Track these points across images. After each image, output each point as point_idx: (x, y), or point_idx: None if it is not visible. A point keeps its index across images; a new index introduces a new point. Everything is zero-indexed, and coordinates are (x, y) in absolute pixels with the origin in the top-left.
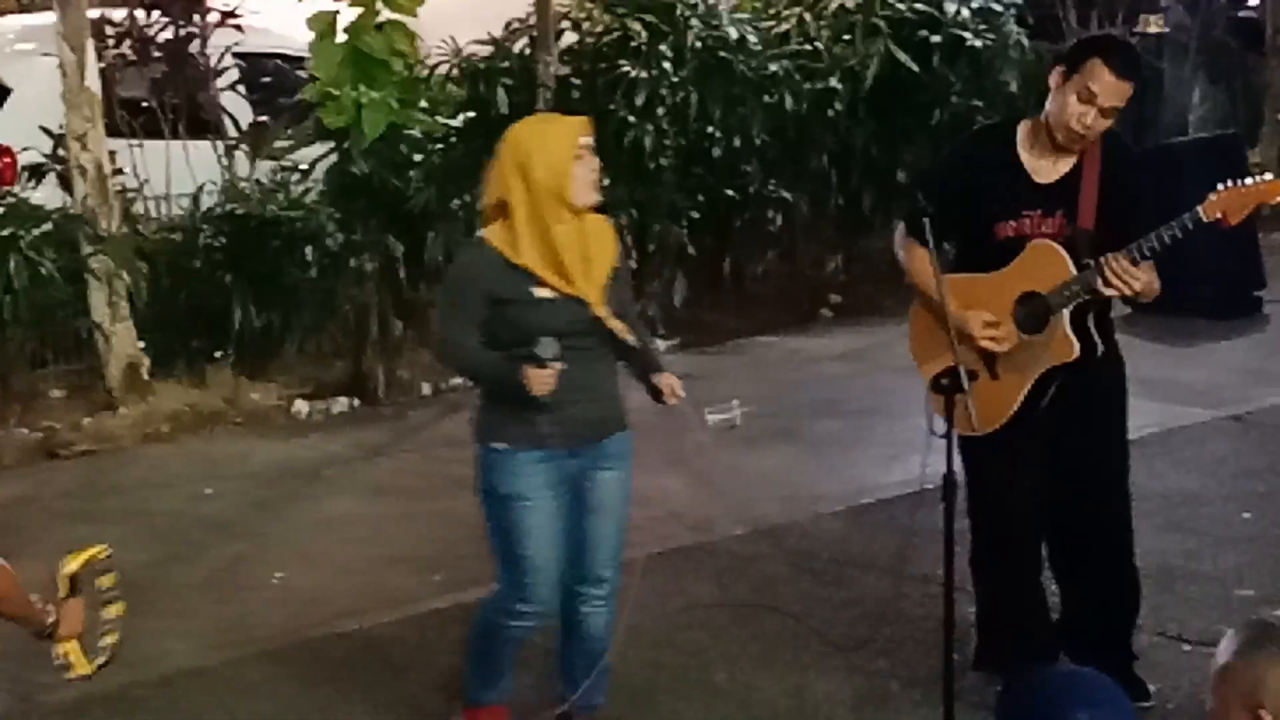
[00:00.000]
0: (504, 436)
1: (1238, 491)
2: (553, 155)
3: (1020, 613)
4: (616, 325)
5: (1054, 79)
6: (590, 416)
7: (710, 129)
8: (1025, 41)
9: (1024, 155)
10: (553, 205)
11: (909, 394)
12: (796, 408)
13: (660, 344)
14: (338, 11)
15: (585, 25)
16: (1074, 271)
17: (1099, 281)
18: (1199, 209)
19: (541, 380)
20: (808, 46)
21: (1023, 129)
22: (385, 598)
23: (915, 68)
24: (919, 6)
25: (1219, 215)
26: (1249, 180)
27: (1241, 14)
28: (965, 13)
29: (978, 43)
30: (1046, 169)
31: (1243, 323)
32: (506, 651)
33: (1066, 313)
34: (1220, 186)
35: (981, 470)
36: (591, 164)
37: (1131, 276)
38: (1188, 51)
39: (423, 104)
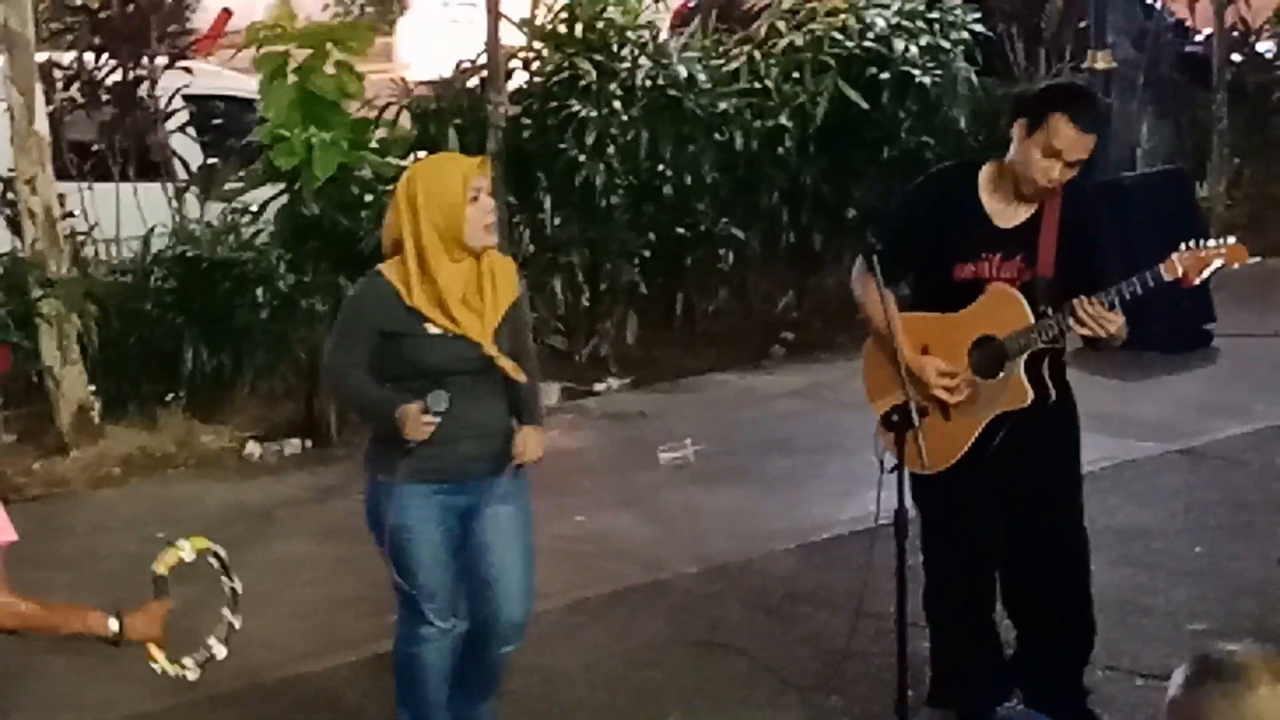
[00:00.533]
0: (388, 470)
1: (1190, 525)
2: (446, 196)
3: (973, 650)
4: (506, 365)
5: (1016, 131)
6: (476, 454)
7: (661, 167)
8: (974, 78)
9: (985, 198)
10: (447, 245)
11: (862, 430)
12: (749, 445)
13: (613, 382)
14: (288, 53)
15: (535, 65)
16: (1032, 319)
17: (1071, 320)
18: (1160, 268)
19: (417, 425)
20: (757, 85)
21: (986, 171)
22: (338, 640)
23: (865, 105)
24: (868, 44)
25: (1181, 274)
26: (1210, 243)
27: (1189, 49)
28: (914, 50)
29: (926, 80)
30: (1008, 213)
31: (1193, 356)
32: (431, 683)
33: (1022, 360)
34: (1183, 247)
35: (934, 507)
36: (486, 205)
37: (1107, 320)
38: (1136, 87)
39: (373, 145)
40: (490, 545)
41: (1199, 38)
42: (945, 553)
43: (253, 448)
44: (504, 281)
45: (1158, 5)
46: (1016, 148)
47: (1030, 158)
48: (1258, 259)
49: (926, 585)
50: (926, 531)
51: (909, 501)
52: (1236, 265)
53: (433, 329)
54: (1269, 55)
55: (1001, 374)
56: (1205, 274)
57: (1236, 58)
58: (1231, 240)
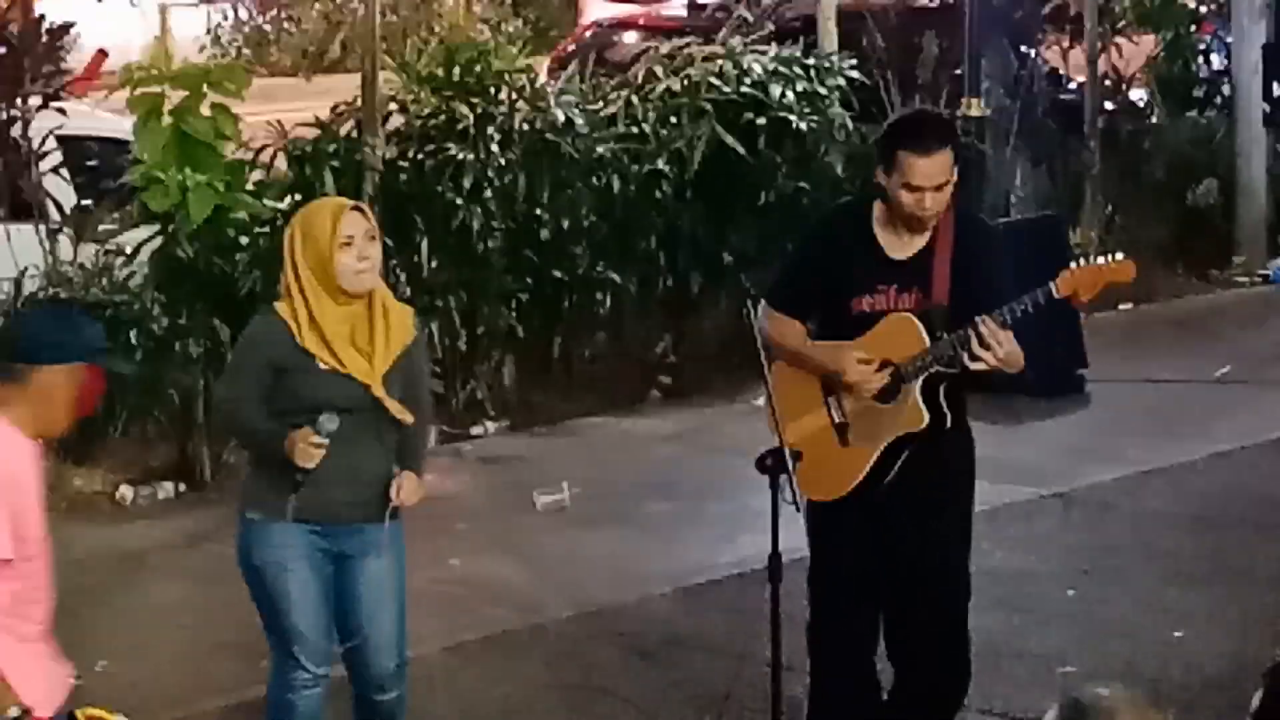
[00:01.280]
0: (259, 506)
1: (1062, 569)
2: (318, 242)
3: (850, 690)
4: (393, 406)
5: (880, 177)
6: (348, 499)
7: (538, 211)
8: (849, 124)
9: (879, 232)
10: (326, 288)
11: (738, 474)
12: (626, 489)
13: (490, 426)
14: (163, 94)
15: (412, 108)
16: (928, 342)
17: (974, 343)
18: (1051, 285)
19: (308, 450)
20: (635, 129)
21: (877, 207)
22: (211, 686)
23: (741, 150)
24: (745, 90)
25: (1071, 292)
26: (1100, 260)
27: (1062, 97)
28: (790, 96)
29: (803, 125)
30: (901, 245)
31: (1066, 401)
32: None
33: (918, 383)
34: (1073, 264)
35: (823, 542)
36: (361, 251)
37: (1001, 342)
38: (1009, 134)
39: (249, 187)
40: (361, 598)
41: (1072, 86)
42: (831, 588)
43: (125, 491)
44: (397, 326)
45: (1031, 54)
46: (886, 191)
47: (897, 197)
48: (1129, 305)
49: (810, 621)
50: (814, 567)
51: (787, 543)
52: (1126, 281)
53: (322, 365)
54: (1140, 104)
55: (898, 398)
56: (1095, 291)
57: (1109, 106)
58: (1120, 256)
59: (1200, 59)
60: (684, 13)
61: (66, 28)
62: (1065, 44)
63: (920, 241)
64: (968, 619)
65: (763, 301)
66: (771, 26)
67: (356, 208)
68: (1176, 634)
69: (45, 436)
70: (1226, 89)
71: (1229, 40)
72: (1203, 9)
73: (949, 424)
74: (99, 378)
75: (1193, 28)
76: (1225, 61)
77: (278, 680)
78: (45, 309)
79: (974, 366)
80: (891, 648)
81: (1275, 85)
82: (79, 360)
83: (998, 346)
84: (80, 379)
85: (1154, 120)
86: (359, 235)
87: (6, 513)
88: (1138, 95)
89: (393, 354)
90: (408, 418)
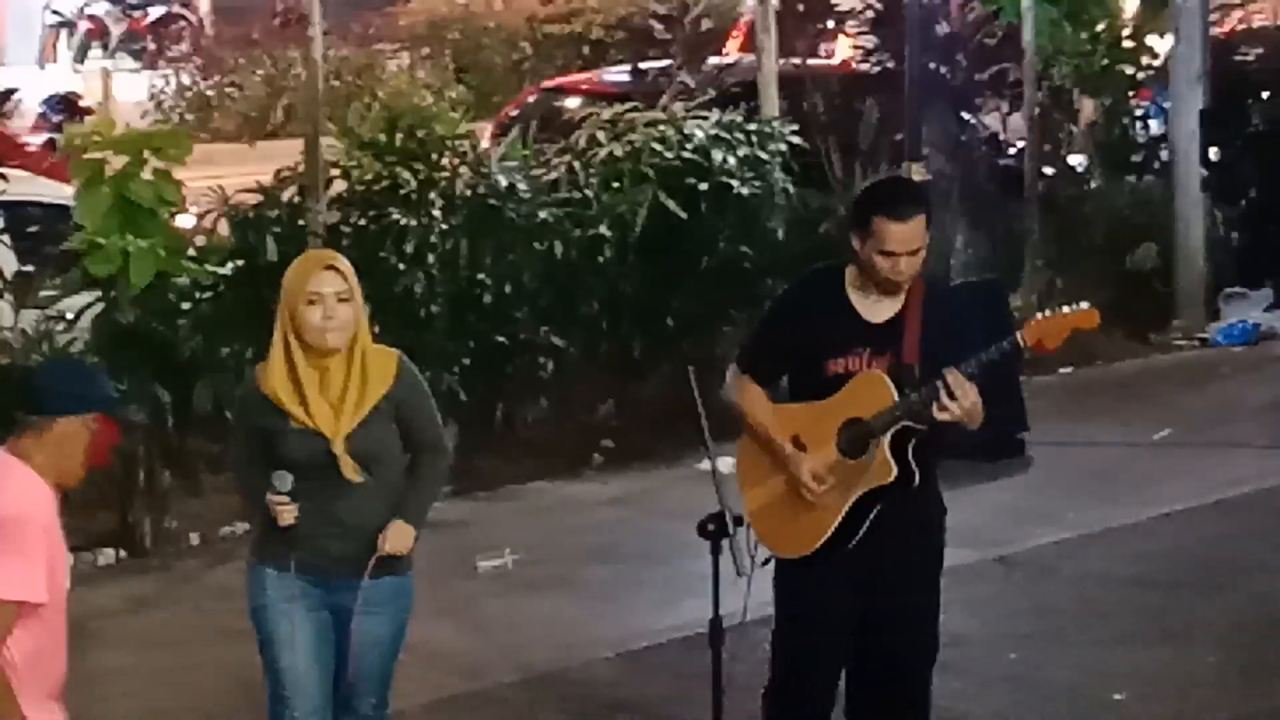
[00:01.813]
0: (259, 552)
1: (1003, 632)
2: (289, 296)
3: None
4: (347, 465)
5: (854, 242)
6: (340, 553)
7: (481, 276)
8: (791, 189)
9: (853, 296)
10: (300, 342)
11: (681, 539)
12: (569, 554)
13: None
14: (104, 160)
15: (355, 173)
16: (896, 397)
17: (941, 394)
18: (1018, 334)
19: (278, 511)
20: (577, 194)
21: (850, 272)
22: None
23: (683, 215)
24: (686, 155)
25: (1036, 341)
26: (1065, 309)
27: (1002, 162)
28: (732, 161)
29: (744, 190)
30: (875, 309)
31: (1006, 464)
32: None
33: (887, 438)
34: (1038, 315)
35: (789, 599)
36: (327, 310)
37: (964, 391)
38: (950, 198)
39: (191, 252)
40: (353, 653)
41: (1012, 151)
42: (798, 646)
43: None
44: (375, 376)
45: (972, 119)
46: (860, 255)
47: (872, 261)
48: (1069, 368)
49: (770, 680)
50: (779, 625)
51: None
52: (1091, 327)
53: (293, 424)
54: (1079, 169)
55: (868, 453)
56: (1060, 339)
57: (1049, 171)
58: (1085, 305)
59: (1139, 124)
60: (626, 78)
61: (9, 94)
62: (1005, 110)
63: (894, 305)
64: (931, 682)
65: (732, 365)
66: (713, 92)
67: (331, 266)
68: (1117, 696)
69: (63, 486)
70: (1165, 154)
71: (1166, 106)
72: (1140, 75)
73: (918, 481)
74: (112, 427)
75: (1130, 94)
76: (1163, 127)
77: None
78: (58, 362)
79: (940, 416)
80: (852, 710)
81: (1213, 150)
82: (94, 410)
83: (963, 398)
84: (95, 429)
85: (1093, 185)
86: (328, 294)
87: (44, 558)
88: (1076, 160)
89: (364, 407)
90: (355, 478)
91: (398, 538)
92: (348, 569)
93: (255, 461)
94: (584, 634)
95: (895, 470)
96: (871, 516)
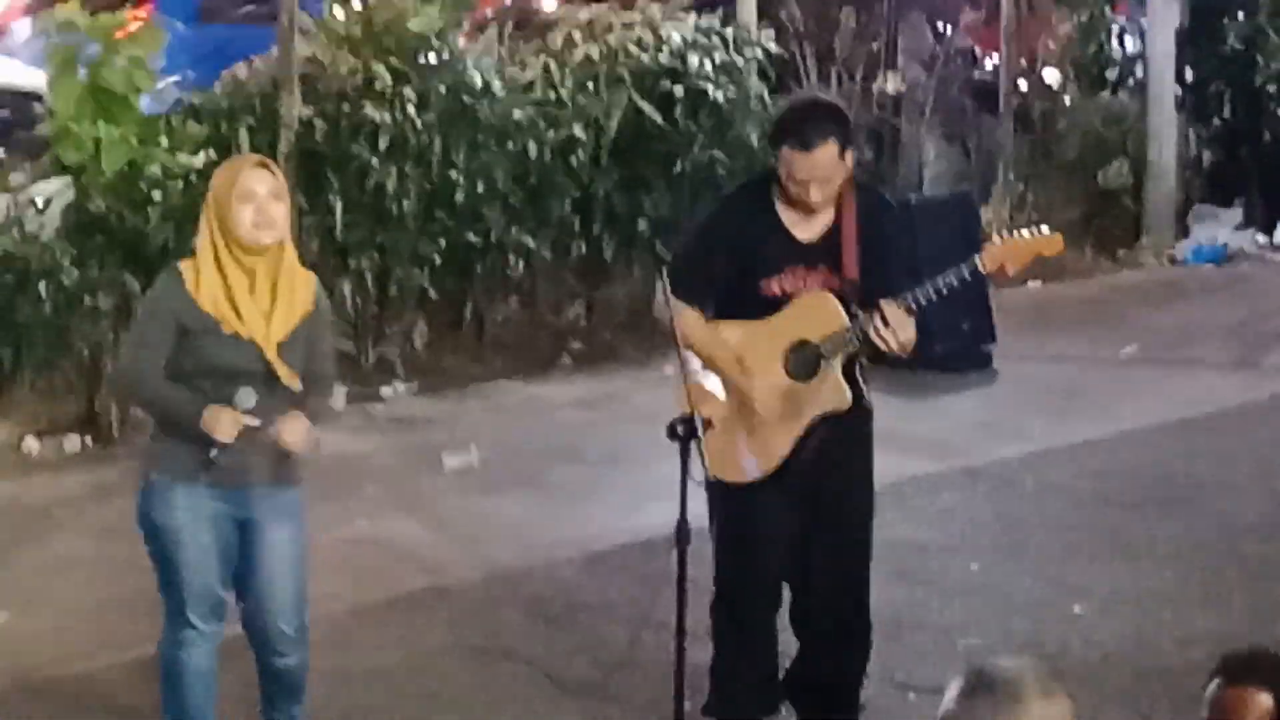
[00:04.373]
0: (163, 468)
1: (965, 542)
2: (220, 194)
3: (750, 660)
4: (283, 370)
5: (773, 163)
6: (251, 461)
7: (453, 174)
8: (766, 96)
9: (783, 213)
10: (227, 243)
11: (648, 441)
12: (535, 454)
13: (400, 387)
14: (77, 47)
15: (330, 68)
16: (847, 321)
17: (872, 330)
18: (977, 258)
19: (227, 426)
20: (552, 95)
21: (778, 188)
22: (112, 641)
23: (658, 118)
24: (662, 59)
25: (997, 267)
26: (1026, 233)
27: (978, 76)
28: (708, 66)
29: (720, 95)
30: (806, 226)
31: (973, 377)
32: (194, 685)
33: (838, 361)
34: (996, 238)
35: (730, 516)
36: (260, 207)
37: (901, 326)
38: (924, 110)
39: (163, 142)
40: (261, 563)
41: (988, 65)
42: (737, 561)
43: (31, 443)
44: (301, 292)
45: (948, 32)
46: (780, 177)
47: (786, 187)
48: (1038, 283)
49: (715, 593)
50: (720, 540)
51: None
52: (1055, 254)
53: (224, 329)
54: (1054, 85)
55: (817, 377)
56: (1023, 265)
57: (1023, 85)
58: (1047, 231)
59: (1114, 41)
60: None
61: None
62: (982, 22)
63: (824, 220)
64: (868, 593)
65: (659, 286)
66: None
67: (263, 164)
68: (1077, 609)
69: None
70: (1139, 72)
71: (1143, 23)
72: None
73: (866, 401)
74: None
75: (1107, 9)
76: (1139, 44)
77: (169, 637)
78: None
79: (874, 340)
80: (794, 619)
81: (1188, 70)
82: None
83: (900, 329)
84: None
85: (1067, 101)
86: (262, 192)
87: None
88: (1051, 76)
89: (292, 320)
90: (294, 384)
91: (293, 428)
92: (252, 476)
93: (167, 367)
94: (548, 534)
95: (849, 395)
96: (819, 439)
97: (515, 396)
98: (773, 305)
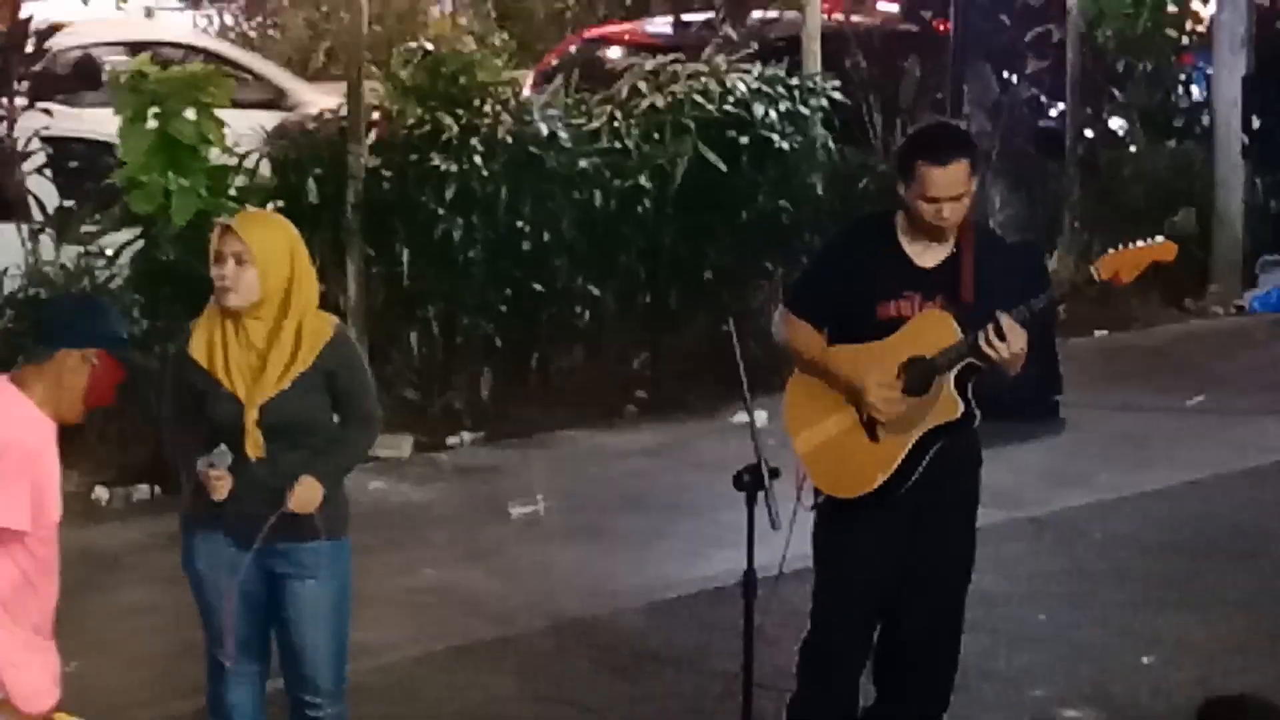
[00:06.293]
0: (190, 514)
1: (1033, 592)
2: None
3: (834, 704)
4: (252, 437)
5: (900, 188)
6: (263, 516)
7: (520, 223)
8: (831, 144)
9: (904, 241)
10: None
11: (712, 490)
12: (600, 502)
13: (466, 436)
14: (149, 97)
15: (397, 118)
16: (960, 335)
17: (984, 341)
18: (1092, 268)
19: (212, 485)
20: (618, 144)
21: (901, 218)
22: (183, 688)
23: (723, 168)
24: (728, 108)
25: (1113, 274)
26: (1140, 242)
27: (1043, 123)
28: (773, 115)
29: (785, 145)
30: (926, 254)
31: (1039, 426)
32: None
33: (951, 375)
34: (1111, 250)
35: (835, 548)
36: (223, 270)
37: (1015, 337)
38: (989, 158)
39: (232, 192)
40: (294, 620)
41: (1053, 112)
42: (834, 602)
43: (101, 492)
44: (306, 344)
45: (1013, 79)
46: (907, 202)
47: (917, 208)
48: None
49: (810, 632)
50: (821, 574)
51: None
52: (1168, 260)
53: (224, 387)
54: (1120, 132)
55: (931, 390)
56: (1137, 272)
57: (1089, 133)
58: (1160, 238)
59: (1180, 89)
60: (669, 29)
61: (54, 29)
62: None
63: (944, 250)
64: (959, 648)
65: (780, 306)
66: (756, 45)
67: (227, 227)
68: (1145, 659)
69: (63, 421)
70: (1205, 120)
71: (1209, 71)
72: (1184, 39)
73: (978, 420)
74: (115, 367)
75: (1173, 58)
76: (1205, 92)
77: (207, 672)
78: (69, 296)
79: (987, 352)
80: (880, 663)
81: (1254, 118)
82: (95, 346)
83: (1013, 341)
84: (95, 365)
85: (1133, 148)
86: (226, 254)
87: (28, 485)
88: (1117, 124)
89: (288, 376)
90: (255, 454)
91: (304, 494)
92: (274, 533)
93: (184, 419)
94: (614, 583)
95: (962, 407)
96: (930, 454)
97: (581, 445)
98: (888, 329)
